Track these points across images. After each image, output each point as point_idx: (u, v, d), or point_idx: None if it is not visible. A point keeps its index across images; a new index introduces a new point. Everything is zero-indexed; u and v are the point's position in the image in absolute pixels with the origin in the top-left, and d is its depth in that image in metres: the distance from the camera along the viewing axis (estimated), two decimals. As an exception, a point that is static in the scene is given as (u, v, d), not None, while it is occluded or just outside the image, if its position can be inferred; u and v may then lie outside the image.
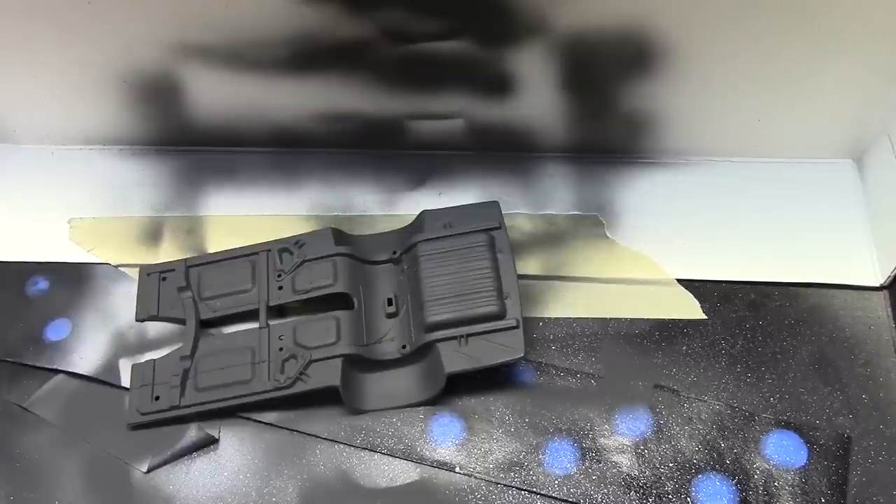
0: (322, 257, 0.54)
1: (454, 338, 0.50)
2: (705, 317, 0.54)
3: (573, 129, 0.59)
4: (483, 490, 0.49)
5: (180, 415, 0.51)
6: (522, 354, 0.49)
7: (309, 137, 0.61)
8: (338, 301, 0.53)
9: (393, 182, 0.61)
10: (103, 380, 0.53)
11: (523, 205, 0.59)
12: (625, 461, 0.49)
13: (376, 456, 0.50)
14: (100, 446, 0.51)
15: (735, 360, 0.53)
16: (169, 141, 0.62)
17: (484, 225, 0.53)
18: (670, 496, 0.48)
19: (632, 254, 0.57)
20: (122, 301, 0.56)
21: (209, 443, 0.51)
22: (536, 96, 0.57)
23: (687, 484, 0.48)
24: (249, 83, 0.56)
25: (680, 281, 0.56)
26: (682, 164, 0.61)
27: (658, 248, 0.57)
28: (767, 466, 0.49)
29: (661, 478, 0.49)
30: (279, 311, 0.54)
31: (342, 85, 0.56)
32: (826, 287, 0.55)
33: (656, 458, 0.49)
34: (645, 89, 0.55)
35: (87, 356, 0.53)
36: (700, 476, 0.49)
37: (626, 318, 0.55)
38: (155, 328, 0.55)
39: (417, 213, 0.55)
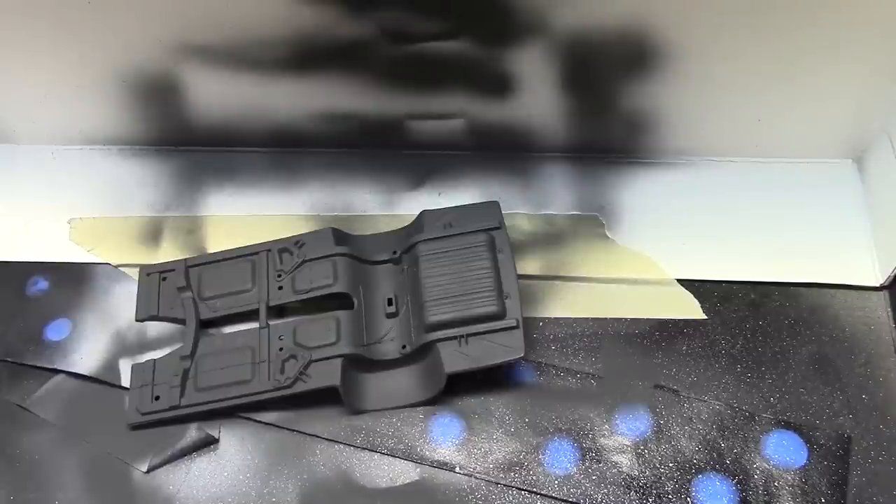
0: (322, 257, 0.54)
1: (454, 338, 0.50)
2: (705, 317, 0.54)
3: (573, 129, 0.59)
4: (483, 490, 0.49)
5: (180, 415, 0.51)
6: (522, 354, 0.49)
7: (309, 137, 0.61)
8: (338, 301, 0.53)
9: (393, 182, 0.61)
10: (103, 380, 0.53)
11: (523, 205, 0.59)
12: (625, 461, 0.49)
13: (376, 456, 0.50)
14: (100, 446, 0.51)
15: (735, 360, 0.53)
16: (169, 141, 0.62)
17: (484, 225, 0.53)
18: (670, 496, 0.48)
19: (632, 254, 0.57)
20: (122, 301, 0.56)
21: (209, 443, 0.51)
22: (536, 96, 0.57)
23: (687, 484, 0.48)
24: (249, 83, 0.56)
25: (680, 281, 0.56)
26: (682, 164, 0.61)
27: (658, 248, 0.57)
28: (767, 466, 0.49)
29: (661, 478, 0.49)
30: (279, 311, 0.54)
31: (342, 85, 0.56)
32: (826, 287, 0.55)
33: (656, 458, 0.49)
34: (645, 89, 0.55)
35: (87, 356, 0.53)
36: (700, 476, 0.49)
37: (626, 318, 0.55)
38: (155, 328, 0.55)
39: (417, 213, 0.55)
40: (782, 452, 0.49)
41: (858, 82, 0.54)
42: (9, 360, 0.54)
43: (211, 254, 0.57)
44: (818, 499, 0.48)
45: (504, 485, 0.49)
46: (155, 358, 0.53)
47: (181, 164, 0.62)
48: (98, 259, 0.58)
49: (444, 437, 0.50)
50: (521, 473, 0.49)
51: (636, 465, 0.49)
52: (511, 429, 0.50)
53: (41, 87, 0.58)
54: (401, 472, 0.49)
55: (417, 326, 0.51)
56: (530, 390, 0.52)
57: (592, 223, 0.58)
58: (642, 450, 0.49)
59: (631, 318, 0.55)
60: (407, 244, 0.54)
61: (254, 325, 0.53)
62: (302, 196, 0.60)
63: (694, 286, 0.56)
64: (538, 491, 0.48)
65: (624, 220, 0.58)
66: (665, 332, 0.54)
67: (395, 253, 0.54)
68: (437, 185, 0.60)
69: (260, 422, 0.51)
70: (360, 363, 0.51)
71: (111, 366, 0.53)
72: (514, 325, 0.50)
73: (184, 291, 0.54)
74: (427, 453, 0.50)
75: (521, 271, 0.53)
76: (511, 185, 0.60)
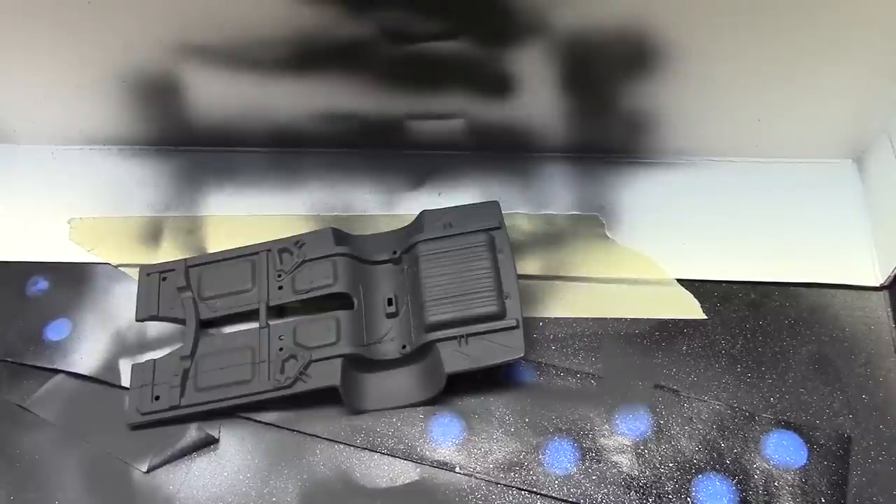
0: (322, 257, 0.54)
1: (454, 338, 0.50)
2: (705, 317, 0.54)
3: (573, 129, 0.59)
4: (483, 490, 0.49)
5: (180, 415, 0.51)
6: (522, 354, 0.49)
7: (309, 137, 0.61)
8: (338, 301, 0.53)
9: (393, 182, 0.61)
10: (103, 380, 0.53)
11: (523, 205, 0.59)
12: (625, 461, 0.49)
13: (376, 456, 0.50)
14: (100, 446, 0.51)
15: (735, 360, 0.53)
16: (169, 141, 0.62)
17: (484, 225, 0.53)
18: (670, 496, 0.48)
19: (632, 254, 0.57)
20: (122, 301, 0.56)
21: (209, 443, 0.51)
22: (536, 96, 0.57)
23: (687, 484, 0.48)
24: (249, 83, 0.56)
25: (680, 281, 0.56)
26: (682, 164, 0.61)
27: (658, 248, 0.57)
28: (767, 466, 0.49)
29: (661, 478, 0.49)
30: (279, 311, 0.54)
31: (342, 85, 0.56)
32: (826, 287, 0.55)
33: (656, 458, 0.49)
34: (645, 89, 0.55)
35: (87, 356, 0.53)
36: (700, 476, 0.49)
37: (626, 318, 0.55)
38: (155, 328, 0.55)
39: (417, 213, 0.55)
40: (782, 452, 0.49)
41: (858, 82, 0.54)
42: (9, 360, 0.54)
43: (211, 254, 0.57)
44: (818, 499, 0.48)
45: (504, 485, 0.49)
46: (155, 358, 0.53)
47: (181, 164, 0.62)
48: (98, 259, 0.58)
49: (444, 437, 0.50)
50: (521, 473, 0.49)
51: (636, 465, 0.49)
52: (511, 429, 0.50)
53: (41, 87, 0.58)
54: (401, 472, 0.49)
55: (417, 326, 0.51)
56: (530, 390, 0.52)
57: (592, 223, 0.58)
58: (642, 450, 0.49)
59: (631, 318, 0.55)
60: (407, 244, 0.54)
61: (254, 325, 0.53)
62: (302, 196, 0.60)
63: (694, 286, 0.56)
64: (538, 491, 0.48)
65: (624, 220, 0.58)
66: (665, 332, 0.54)
67: (395, 253, 0.54)
68: (437, 185, 0.60)
69: (260, 422, 0.51)
70: (360, 363, 0.51)
71: (111, 366, 0.53)
72: (514, 325, 0.50)
73: (184, 291, 0.54)
74: (427, 453, 0.50)
75: (521, 271, 0.53)
76: (511, 185, 0.60)
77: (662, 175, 0.60)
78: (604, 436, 0.50)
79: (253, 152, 0.62)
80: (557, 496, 0.48)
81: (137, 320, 0.54)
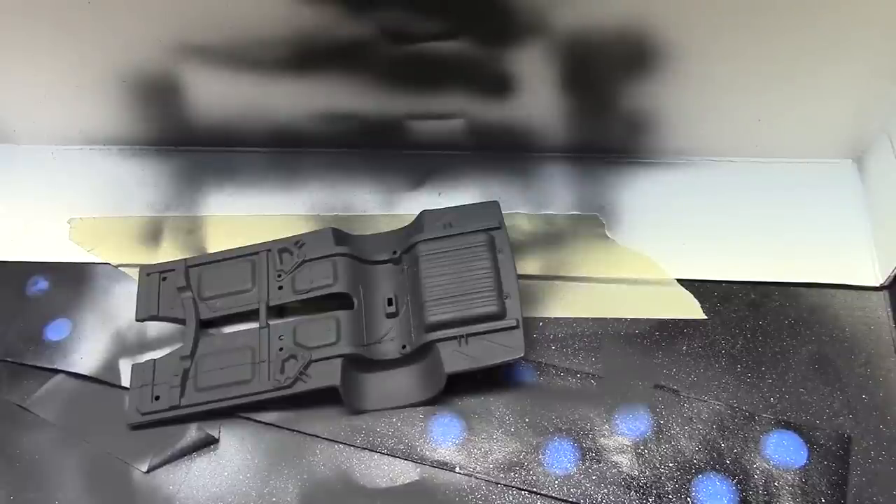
0: (322, 257, 0.54)
1: (454, 338, 0.50)
2: (705, 317, 0.54)
3: (573, 129, 0.59)
4: (483, 490, 0.49)
5: (180, 415, 0.51)
6: (522, 354, 0.49)
7: (309, 137, 0.61)
8: (338, 301, 0.53)
9: (393, 182, 0.61)
10: (103, 380, 0.53)
11: (523, 205, 0.59)
12: (625, 461, 0.49)
13: (376, 456, 0.50)
14: (100, 446, 0.51)
15: (735, 360, 0.53)
16: (169, 141, 0.62)
17: (484, 225, 0.53)
18: (670, 496, 0.48)
19: (632, 254, 0.57)
20: (122, 301, 0.56)
21: (209, 443, 0.51)
22: (536, 96, 0.57)
23: (687, 484, 0.48)
24: (249, 83, 0.56)
25: (680, 281, 0.56)
26: (682, 164, 0.61)
27: (658, 248, 0.57)
28: (767, 466, 0.49)
29: (661, 478, 0.49)
30: (279, 311, 0.54)
31: (342, 85, 0.56)
32: (826, 287, 0.55)
33: (656, 458, 0.49)
34: (645, 89, 0.55)
35: (87, 356, 0.53)
36: (700, 476, 0.49)
37: (626, 318, 0.55)
38: (155, 328, 0.55)
39: (417, 213, 0.55)
40: (782, 452, 0.49)
41: (858, 82, 0.54)
42: (9, 360, 0.54)
43: (211, 254, 0.57)
44: (818, 499, 0.48)
45: (504, 485, 0.49)
46: (155, 358, 0.53)
47: (181, 164, 0.62)
48: (98, 259, 0.58)
49: (444, 437, 0.50)
50: (521, 473, 0.49)
51: (636, 465, 0.49)
52: (511, 429, 0.50)
53: (41, 87, 0.58)
54: (401, 472, 0.49)
55: (417, 326, 0.51)
56: (530, 390, 0.52)
57: (592, 223, 0.58)
58: (642, 450, 0.49)
59: (631, 318, 0.55)
60: (407, 244, 0.54)
61: (254, 325, 0.53)
62: (302, 196, 0.60)
63: (694, 286, 0.56)
64: (538, 491, 0.48)
65: (624, 220, 0.58)
66: (665, 332, 0.54)
67: (395, 253, 0.54)
68: (437, 185, 0.60)
69: (260, 422, 0.51)
70: (360, 363, 0.51)
71: (111, 366, 0.53)
72: (514, 325, 0.50)
73: (184, 291, 0.54)
74: (427, 453, 0.50)
75: (521, 271, 0.53)
76: (511, 185, 0.60)
77: (662, 175, 0.60)
78: (604, 436, 0.50)
79: (253, 152, 0.62)
80: (557, 496, 0.48)
81: (137, 320, 0.54)
